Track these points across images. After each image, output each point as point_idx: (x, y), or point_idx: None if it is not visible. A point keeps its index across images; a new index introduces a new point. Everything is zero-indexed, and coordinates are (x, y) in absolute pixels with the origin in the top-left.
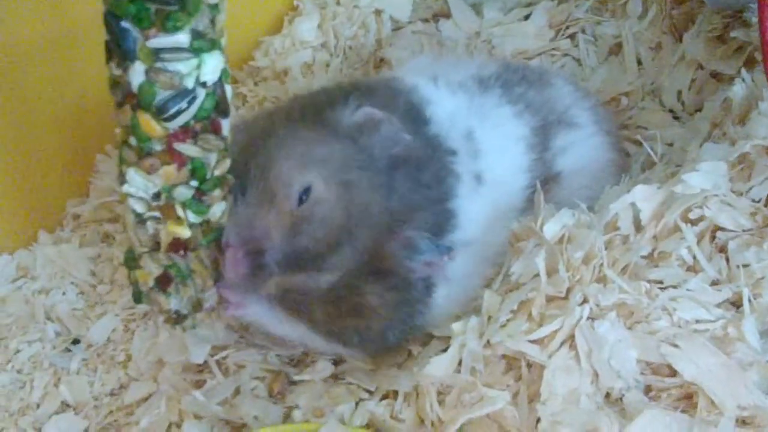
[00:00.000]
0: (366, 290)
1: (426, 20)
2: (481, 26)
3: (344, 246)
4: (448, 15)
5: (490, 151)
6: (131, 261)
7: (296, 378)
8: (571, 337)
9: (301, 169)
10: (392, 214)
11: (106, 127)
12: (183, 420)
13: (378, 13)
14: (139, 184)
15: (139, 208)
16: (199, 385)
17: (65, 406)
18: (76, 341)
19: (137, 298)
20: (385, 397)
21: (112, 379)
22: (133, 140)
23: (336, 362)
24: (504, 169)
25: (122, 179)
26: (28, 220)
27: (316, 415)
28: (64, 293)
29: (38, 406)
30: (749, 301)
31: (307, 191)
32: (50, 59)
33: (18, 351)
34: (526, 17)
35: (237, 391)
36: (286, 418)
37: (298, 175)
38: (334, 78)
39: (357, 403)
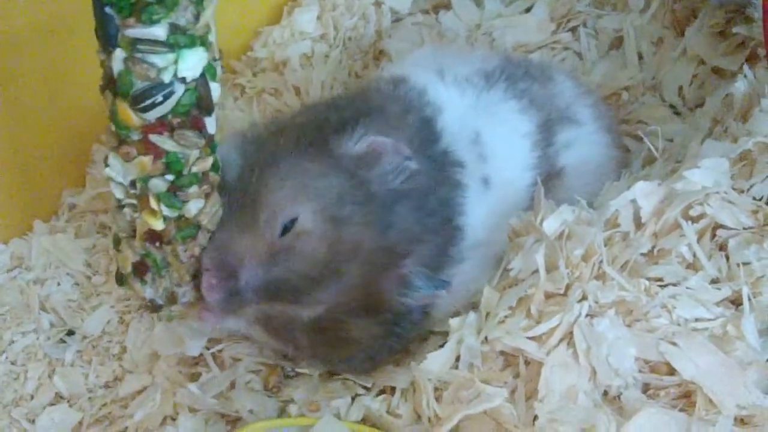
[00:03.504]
0: (351, 325)
1: (426, 12)
2: (481, 18)
3: (329, 284)
4: (448, 6)
5: (498, 153)
6: (117, 243)
7: (292, 372)
8: (570, 334)
9: (291, 199)
10: (388, 250)
11: (103, 116)
12: (178, 413)
13: (378, 4)
14: (117, 169)
15: (118, 193)
16: (194, 378)
17: (59, 397)
18: (70, 332)
19: (119, 280)
20: (381, 392)
21: (106, 372)
22: (113, 126)
23: None
24: (511, 169)
25: (106, 162)
26: (24, 209)
27: (311, 410)
28: (59, 284)
29: (32, 397)
30: (749, 299)
31: (292, 222)
32: (46, 48)
33: (12, 342)
34: (527, 10)
35: (232, 385)
36: (282, 412)
37: (286, 204)
38: (333, 69)
39: (353, 398)
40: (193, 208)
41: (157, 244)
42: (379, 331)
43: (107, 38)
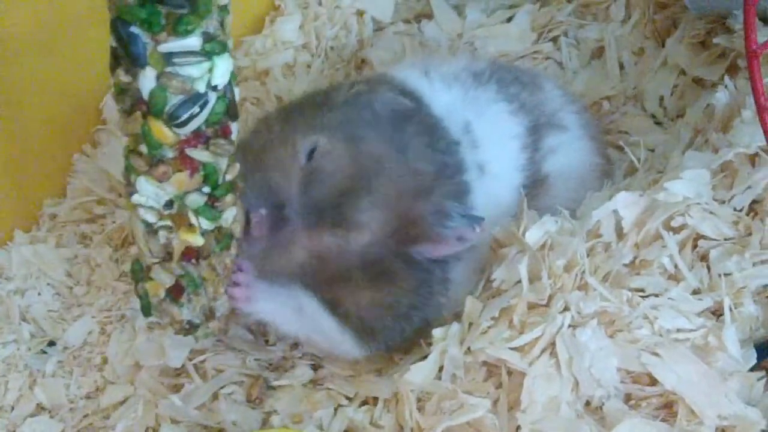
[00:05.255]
0: (394, 265)
1: (408, 21)
2: (463, 28)
3: (362, 198)
4: (430, 16)
5: (489, 144)
6: (139, 273)
7: (275, 383)
8: (552, 344)
9: (305, 133)
10: (414, 173)
11: (85, 126)
12: (160, 424)
13: (360, 13)
14: (150, 193)
15: (150, 218)
16: (176, 389)
17: (40, 408)
18: (51, 343)
19: (146, 310)
20: (364, 403)
21: (88, 382)
22: (143, 148)
23: (315, 368)
24: (502, 165)
25: (131, 189)
26: (4, 219)
27: (294, 421)
28: (39, 294)
29: (12, 408)
30: (730, 310)
31: (312, 151)
32: (29, 59)
33: None
34: (509, 19)
35: (215, 396)
36: (265, 423)
37: (302, 137)
38: (315, 79)
39: (336, 409)
40: (229, 216)
41: (194, 261)
42: (411, 284)
43: (134, 58)
